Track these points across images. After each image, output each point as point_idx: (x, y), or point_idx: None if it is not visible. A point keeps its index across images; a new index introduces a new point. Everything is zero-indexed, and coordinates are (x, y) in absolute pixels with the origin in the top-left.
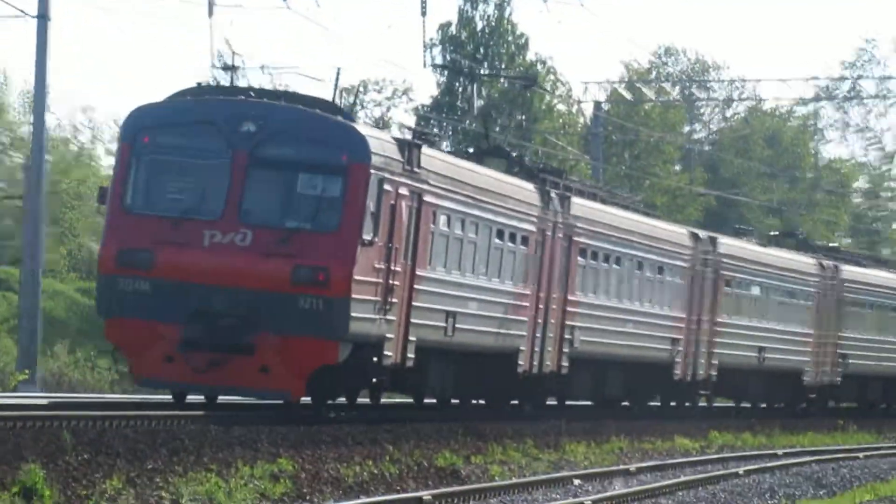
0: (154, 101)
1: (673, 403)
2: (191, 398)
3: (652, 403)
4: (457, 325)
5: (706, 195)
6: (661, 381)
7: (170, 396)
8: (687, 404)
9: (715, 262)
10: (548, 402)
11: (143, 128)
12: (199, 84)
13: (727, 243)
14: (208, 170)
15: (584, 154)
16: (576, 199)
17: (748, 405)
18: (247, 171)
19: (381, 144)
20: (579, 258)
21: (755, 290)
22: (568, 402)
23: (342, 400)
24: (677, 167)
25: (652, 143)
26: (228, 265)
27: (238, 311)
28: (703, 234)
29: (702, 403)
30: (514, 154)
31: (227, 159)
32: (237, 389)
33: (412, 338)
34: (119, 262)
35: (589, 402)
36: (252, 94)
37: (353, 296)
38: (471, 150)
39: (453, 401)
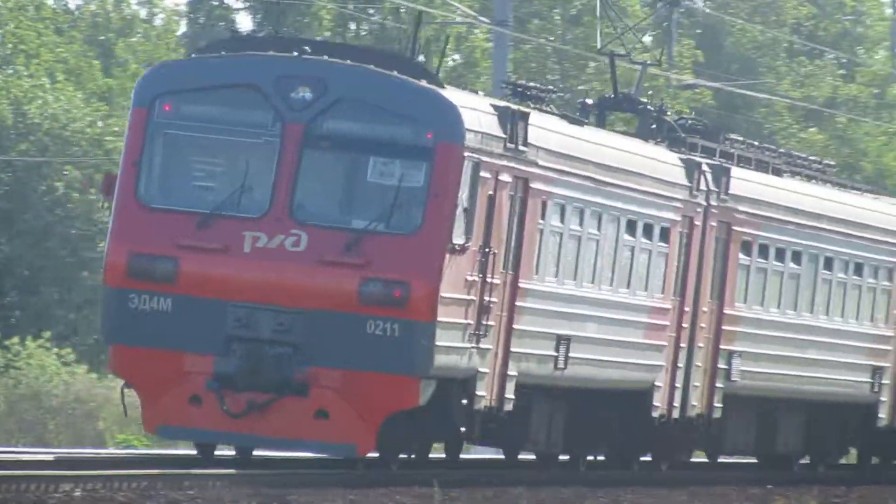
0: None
1: (876, 460)
2: (220, 451)
3: (844, 461)
4: (570, 355)
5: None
6: (860, 427)
7: (194, 450)
8: None
9: None
10: (694, 459)
11: (163, 92)
12: (235, 32)
13: None
14: (250, 150)
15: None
16: (737, 172)
17: None
18: (301, 153)
19: (478, 117)
20: (741, 255)
21: None
22: (722, 459)
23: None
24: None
25: None
26: (276, 277)
27: (288, 338)
28: None
29: None
30: (651, 107)
31: (275, 136)
32: (285, 441)
33: (512, 371)
34: (132, 273)
35: (752, 460)
36: (308, 48)
37: (440, 318)
38: (589, 102)
39: (562, 457)
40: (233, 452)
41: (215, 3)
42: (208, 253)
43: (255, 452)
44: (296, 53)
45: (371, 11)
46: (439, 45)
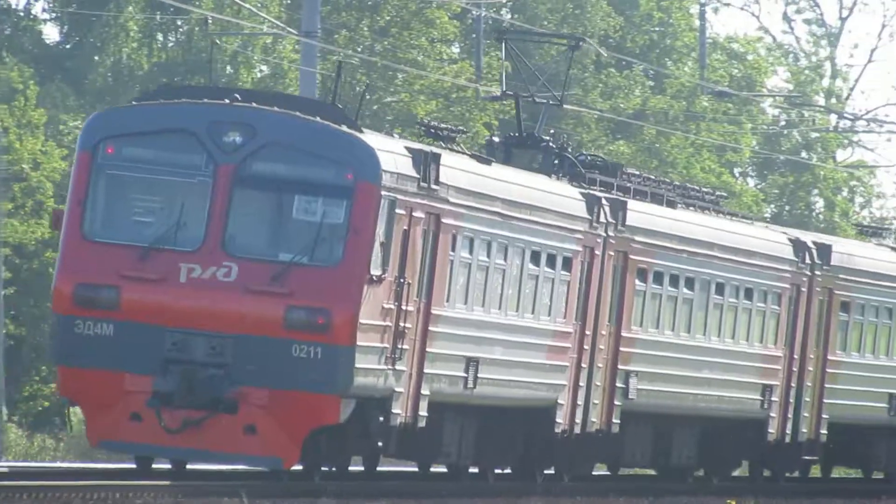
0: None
1: (767, 473)
2: (157, 464)
3: (737, 473)
4: (479, 375)
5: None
6: (750, 442)
7: (132, 463)
8: (788, 474)
9: (826, 278)
10: (595, 472)
11: (106, 136)
12: (171, 82)
13: (842, 252)
14: (185, 189)
15: None
16: (633, 205)
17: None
18: (232, 191)
19: (394, 159)
20: (637, 282)
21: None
22: (623, 472)
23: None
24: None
25: None
26: (209, 305)
27: (220, 361)
28: (809, 240)
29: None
30: (553, 144)
31: (208, 176)
32: (217, 454)
33: (425, 391)
34: (77, 301)
35: (650, 472)
36: (238, 96)
37: (359, 343)
38: (495, 139)
39: (472, 469)
40: (169, 465)
41: (22, 15)
42: (148, 283)
43: (190, 465)
44: (227, 101)
45: (179, 23)
46: (247, 56)
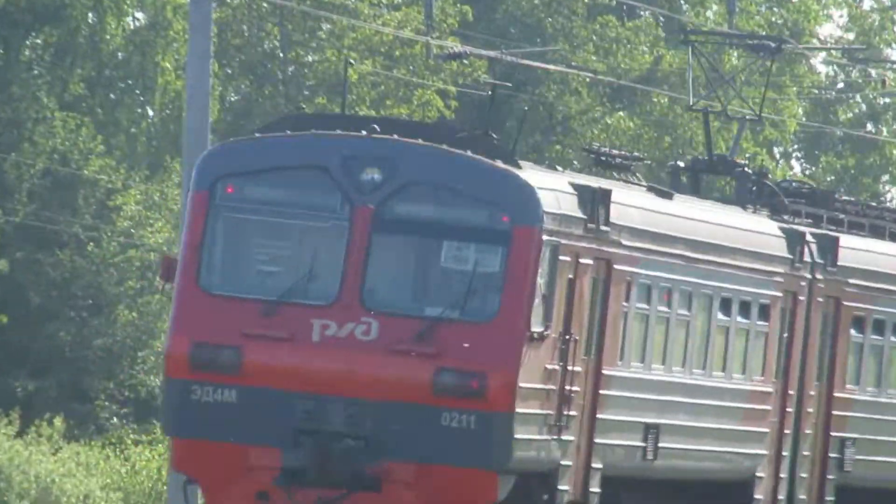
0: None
1: None
2: None
3: None
4: (660, 445)
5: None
6: None
7: None
8: None
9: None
10: None
11: (225, 173)
12: (300, 110)
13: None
14: (317, 234)
15: None
16: (847, 241)
17: None
18: (371, 237)
19: (556, 197)
20: (853, 332)
21: None
22: None
23: None
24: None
25: None
26: (346, 368)
27: (360, 432)
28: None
29: None
30: (749, 169)
31: (343, 220)
32: None
33: (597, 465)
34: (194, 363)
35: None
36: (376, 126)
37: (518, 410)
38: (681, 164)
39: None
40: None
41: None
42: (275, 342)
43: None
44: (364, 132)
45: None
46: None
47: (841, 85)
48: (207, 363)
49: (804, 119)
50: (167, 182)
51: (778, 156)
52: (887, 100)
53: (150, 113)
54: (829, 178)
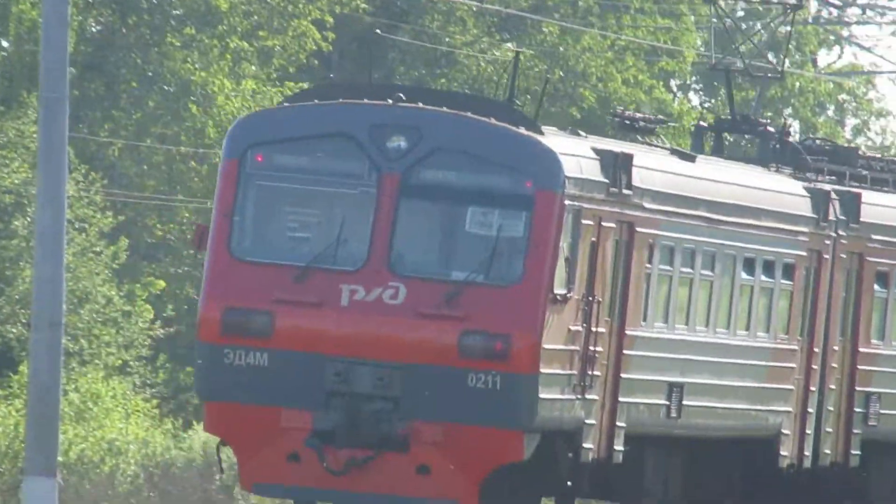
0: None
1: None
2: None
3: None
4: (684, 403)
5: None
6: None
7: None
8: None
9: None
10: None
11: (255, 142)
12: (328, 79)
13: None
14: (345, 200)
15: None
16: (869, 197)
17: None
18: (398, 203)
19: (578, 163)
20: (877, 288)
21: None
22: None
23: None
24: None
25: None
26: (375, 331)
27: (388, 393)
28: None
29: None
30: (772, 128)
31: (371, 186)
32: (387, 497)
33: (621, 423)
34: (226, 328)
35: None
36: (402, 95)
37: (542, 370)
38: (703, 124)
39: None
40: None
41: None
42: (305, 307)
43: None
44: (390, 101)
45: None
46: None
47: (741, 13)
48: (239, 328)
49: (702, 49)
50: (23, 119)
51: (675, 88)
52: (787, 28)
53: (5, 44)
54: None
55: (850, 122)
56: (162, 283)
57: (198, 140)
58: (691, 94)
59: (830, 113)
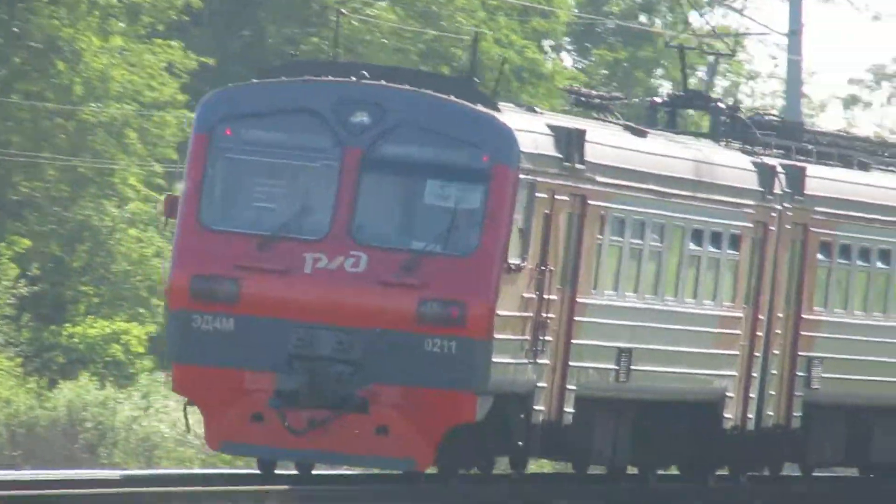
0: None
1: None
2: (281, 469)
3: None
4: (633, 367)
5: None
6: None
7: (255, 467)
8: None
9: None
10: (785, 473)
11: (224, 117)
12: (293, 57)
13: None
14: (310, 173)
15: None
16: (814, 170)
17: None
18: (360, 176)
19: (533, 139)
20: (820, 257)
21: None
22: (820, 474)
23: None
24: None
25: None
26: (337, 298)
27: (348, 357)
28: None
29: None
30: (723, 104)
31: (334, 160)
32: (346, 456)
33: (571, 386)
34: (194, 294)
35: (854, 472)
36: (365, 73)
37: (496, 336)
38: (658, 100)
39: (631, 470)
40: (293, 471)
41: None
42: (270, 274)
43: (316, 470)
44: (353, 78)
45: None
46: None
47: None
48: (207, 294)
49: (575, 10)
50: None
51: (548, 49)
52: None
53: None
54: (601, 72)
55: (721, 82)
56: (27, 242)
57: (65, 97)
58: (564, 55)
59: (702, 73)
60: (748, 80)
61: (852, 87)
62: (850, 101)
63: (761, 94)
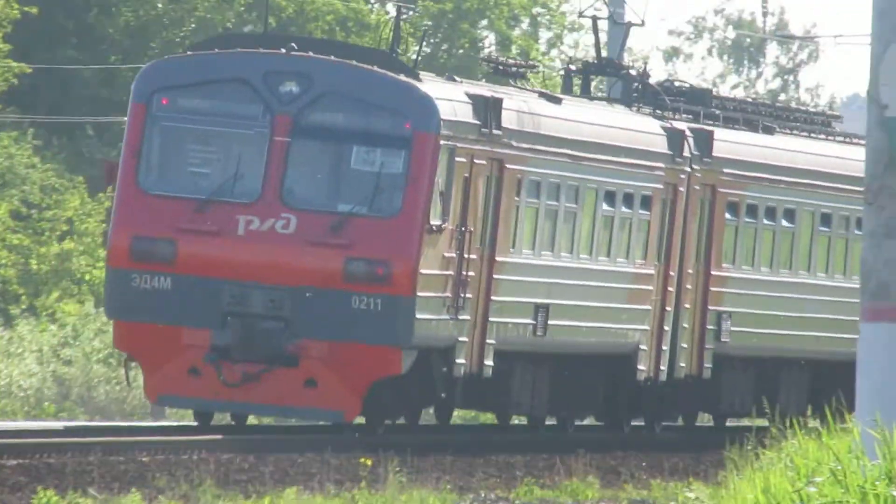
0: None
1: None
2: (217, 420)
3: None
4: (550, 322)
5: None
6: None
7: (192, 418)
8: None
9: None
10: (699, 423)
11: (160, 87)
12: (227, 30)
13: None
14: (242, 140)
15: None
16: (721, 134)
17: None
18: (289, 143)
19: (452, 106)
20: (728, 216)
21: None
22: (731, 423)
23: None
24: None
25: None
26: (268, 257)
27: (279, 314)
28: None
29: None
30: (634, 70)
31: (265, 127)
32: (277, 408)
33: (490, 340)
34: (133, 255)
35: (763, 421)
36: (294, 45)
37: (419, 293)
38: (573, 68)
39: (550, 422)
40: (229, 421)
41: None
42: (205, 235)
43: (250, 420)
44: (283, 50)
45: None
46: None
47: None
48: (146, 254)
49: None
50: None
51: (372, 2)
52: None
53: None
54: (427, 23)
55: (545, 35)
56: None
57: None
58: (389, 7)
59: (525, 26)
60: (570, 32)
61: (672, 39)
62: (671, 53)
63: (584, 45)
